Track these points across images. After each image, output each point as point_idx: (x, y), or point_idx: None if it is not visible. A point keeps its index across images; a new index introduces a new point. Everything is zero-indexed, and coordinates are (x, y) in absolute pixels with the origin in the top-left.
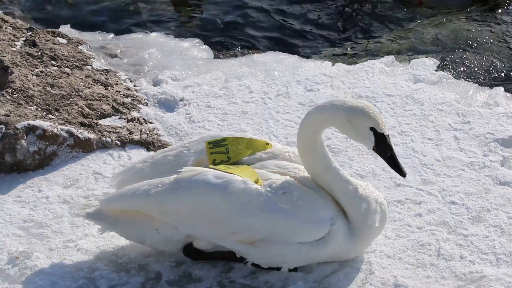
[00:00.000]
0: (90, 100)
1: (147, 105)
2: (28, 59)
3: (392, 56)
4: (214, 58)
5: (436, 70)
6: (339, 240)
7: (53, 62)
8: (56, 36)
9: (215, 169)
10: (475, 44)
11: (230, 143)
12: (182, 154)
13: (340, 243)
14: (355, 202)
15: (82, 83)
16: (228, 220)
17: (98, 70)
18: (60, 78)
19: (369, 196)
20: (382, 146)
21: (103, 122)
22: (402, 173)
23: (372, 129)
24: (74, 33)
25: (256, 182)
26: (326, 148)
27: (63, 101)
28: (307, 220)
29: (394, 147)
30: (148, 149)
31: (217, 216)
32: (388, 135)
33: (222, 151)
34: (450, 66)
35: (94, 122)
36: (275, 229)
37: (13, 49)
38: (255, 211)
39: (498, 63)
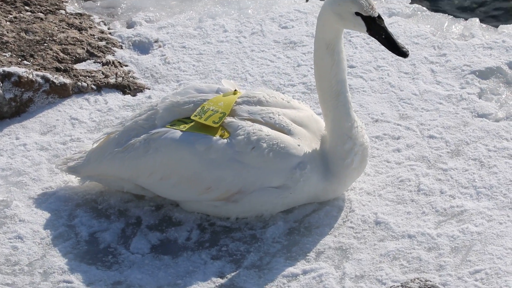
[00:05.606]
0: (64, 44)
1: (121, 48)
2: (1, 5)
3: None
4: None
5: (410, 3)
6: (313, 181)
7: (27, 8)
8: None
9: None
10: None
11: (209, 104)
12: (152, 118)
13: (315, 184)
14: (343, 138)
15: (56, 28)
16: (201, 175)
17: (71, 14)
18: (34, 23)
19: (358, 138)
20: (374, 30)
21: (78, 66)
22: (401, 52)
23: (358, 14)
24: None
25: (221, 136)
26: (345, 64)
27: (37, 46)
28: (277, 169)
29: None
30: (124, 93)
31: (190, 173)
32: (378, 16)
33: (211, 113)
34: None
35: (69, 67)
36: (248, 178)
37: None
38: (225, 162)
39: None
